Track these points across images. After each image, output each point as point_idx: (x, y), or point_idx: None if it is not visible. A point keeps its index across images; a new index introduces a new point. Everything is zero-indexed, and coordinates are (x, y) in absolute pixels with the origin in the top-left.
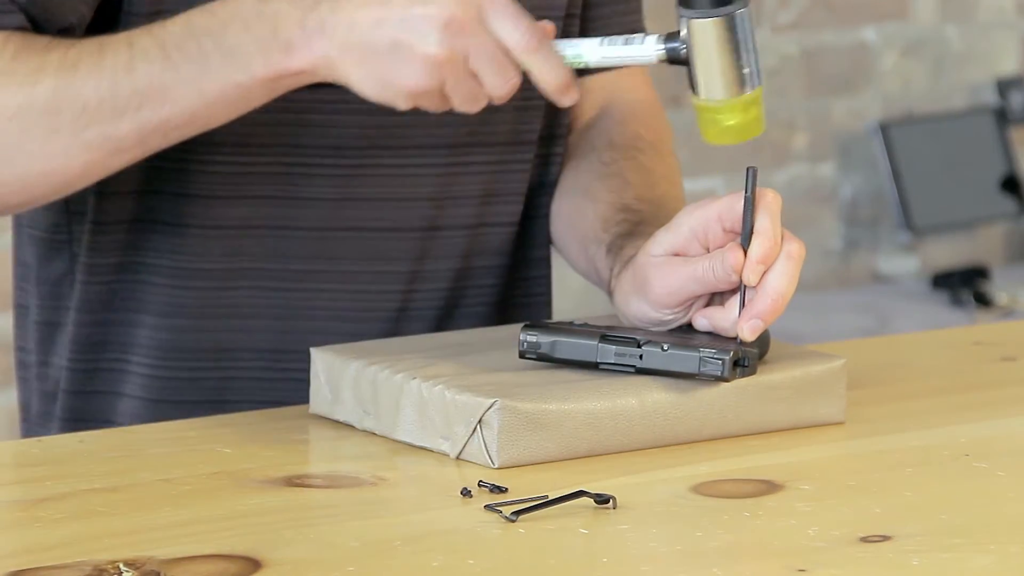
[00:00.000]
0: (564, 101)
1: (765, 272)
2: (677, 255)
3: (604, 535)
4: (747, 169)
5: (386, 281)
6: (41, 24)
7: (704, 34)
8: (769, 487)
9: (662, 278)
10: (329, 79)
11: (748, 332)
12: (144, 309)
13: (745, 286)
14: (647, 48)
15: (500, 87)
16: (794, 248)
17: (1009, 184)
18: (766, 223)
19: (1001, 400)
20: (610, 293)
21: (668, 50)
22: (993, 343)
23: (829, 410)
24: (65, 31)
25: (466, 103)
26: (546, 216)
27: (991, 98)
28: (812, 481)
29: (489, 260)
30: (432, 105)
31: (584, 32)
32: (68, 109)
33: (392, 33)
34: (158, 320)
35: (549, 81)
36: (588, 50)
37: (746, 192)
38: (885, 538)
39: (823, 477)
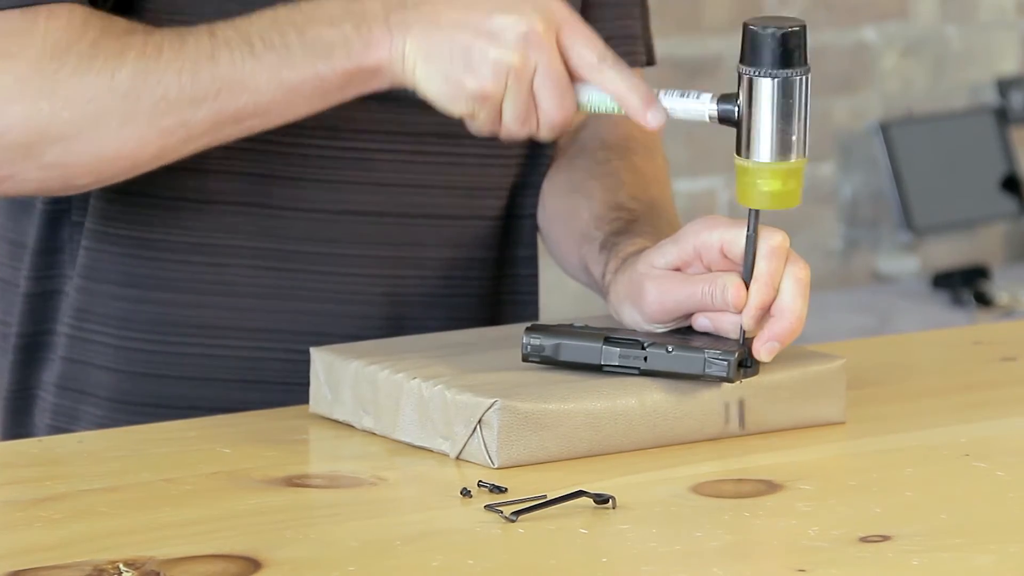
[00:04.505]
0: (651, 120)
1: (778, 294)
2: (677, 269)
3: (604, 535)
4: (750, 209)
5: (373, 265)
6: None
7: (761, 93)
8: (769, 487)
9: (659, 293)
10: (398, 80)
11: (765, 354)
12: (136, 282)
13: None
14: (702, 104)
15: (555, 112)
16: (800, 270)
17: (1009, 184)
18: (767, 268)
19: (1001, 400)
20: (603, 291)
21: (721, 110)
22: (993, 343)
23: (829, 410)
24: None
25: (517, 121)
26: (532, 216)
27: (991, 98)
28: (812, 481)
29: (474, 252)
30: (486, 116)
31: None
32: (147, 97)
33: (470, 36)
34: (149, 293)
35: (629, 94)
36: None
37: (748, 231)
38: (885, 538)
39: (823, 477)
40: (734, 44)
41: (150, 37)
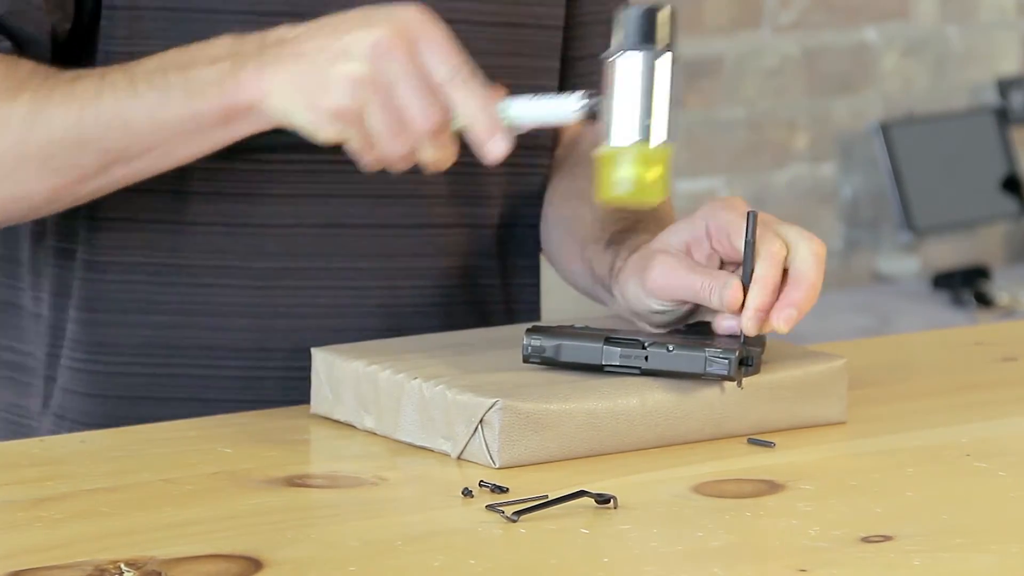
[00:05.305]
0: (489, 151)
1: (793, 263)
2: (688, 247)
3: (605, 535)
4: (748, 213)
5: (366, 277)
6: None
7: (616, 73)
8: (770, 487)
9: (664, 269)
10: (274, 119)
11: (783, 322)
12: (126, 307)
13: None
14: (568, 102)
15: (420, 120)
16: (818, 246)
17: (1010, 184)
18: (767, 272)
19: (1002, 400)
20: (609, 283)
21: (588, 103)
22: (994, 343)
23: (830, 410)
24: (31, 47)
25: (387, 136)
26: (531, 226)
27: (992, 98)
28: (813, 481)
29: (470, 261)
30: (356, 137)
31: (564, 49)
32: (36, 138)
33: (325, 58)
34: (140, 317)
35: (473, 120)
36: (513, 105)
37: (746, 236)
38: (886, 538)
39: (824, 477)
40: (735, 44)
41: (47, 80)
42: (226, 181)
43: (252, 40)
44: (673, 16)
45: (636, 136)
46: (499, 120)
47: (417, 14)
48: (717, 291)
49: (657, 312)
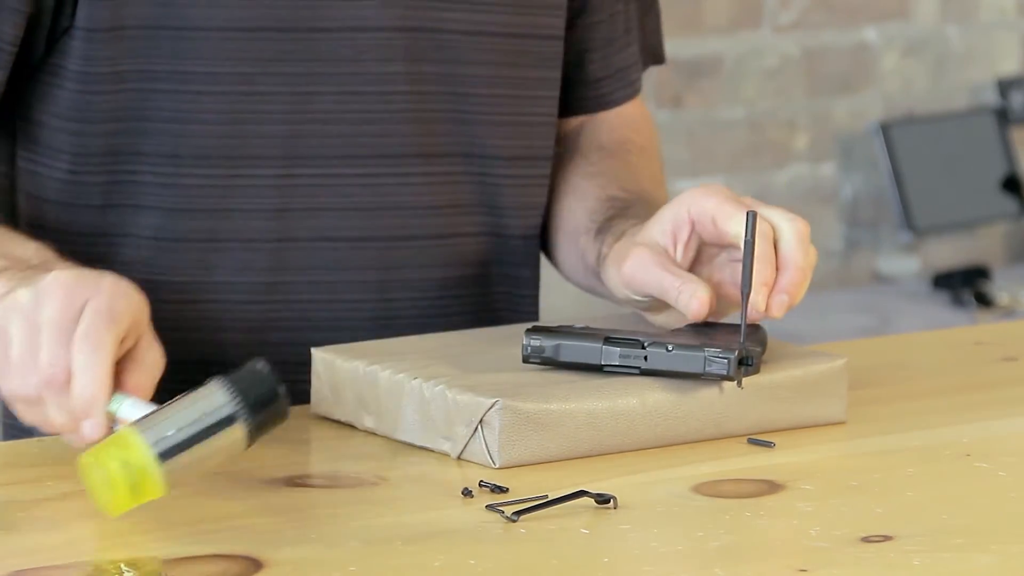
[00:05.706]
0: (80, 430)
1: (778, 247)
2: (673, 236)
3: (605, 535)
4: (747, 213)
5: (358, 291)
6: None
7: (199, 390)
8: (770, 487)
9: (638, 262)
10: None
11: (776, 308)
12: None
13: (747, 304)
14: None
15: (46, 364)
16: (802, 225)
17: (1010, 184)
18: (759, 248)
19: (1002, 400)
20: (598, 271)
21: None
22: (994, 343)
23: (830, 410)
24: None
25: (17, 366)
26: (529, 237)
27: (992, 98)
28: (813, 481)
29: (464, 271)
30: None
31: (567, 65)
32: None
33: (18, 280)
34: None
35: (76, 393)
36: (126, 401)
37: (746, 236)
38: (887, 538)
39: (824, 477)
40: (734, 44)
41: None
42: (210, 197)
43: (43, 259)
44: (280, 417)
45: (150, 441)
46: (101, 405)
47: (112, 283)
48: (685, 296)
49: (635, 301)
